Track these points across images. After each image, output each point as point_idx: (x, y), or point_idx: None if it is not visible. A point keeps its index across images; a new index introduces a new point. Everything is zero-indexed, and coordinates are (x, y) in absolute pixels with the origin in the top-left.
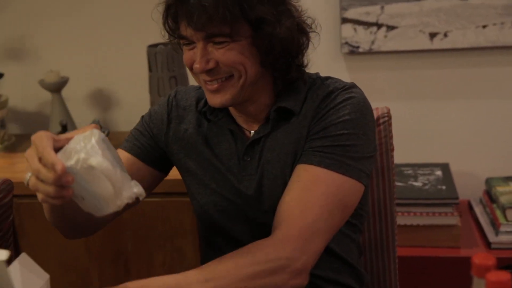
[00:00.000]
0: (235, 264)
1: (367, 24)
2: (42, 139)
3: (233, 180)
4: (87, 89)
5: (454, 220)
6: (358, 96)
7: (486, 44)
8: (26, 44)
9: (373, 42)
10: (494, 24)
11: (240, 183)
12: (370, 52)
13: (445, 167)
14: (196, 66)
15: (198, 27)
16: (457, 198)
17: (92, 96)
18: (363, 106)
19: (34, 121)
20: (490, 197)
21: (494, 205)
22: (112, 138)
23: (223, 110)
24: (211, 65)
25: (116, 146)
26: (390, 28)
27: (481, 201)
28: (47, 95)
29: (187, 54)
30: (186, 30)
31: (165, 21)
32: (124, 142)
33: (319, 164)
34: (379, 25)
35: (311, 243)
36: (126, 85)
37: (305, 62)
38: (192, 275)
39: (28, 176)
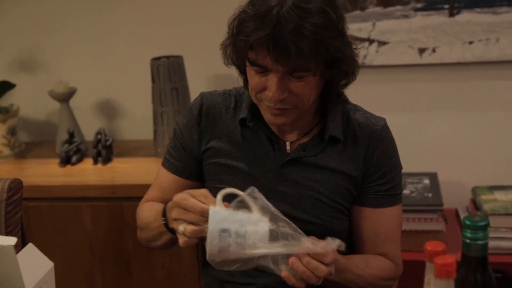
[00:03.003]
0: (377, 273)
1: (360, 40)
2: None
3: (268, 183)
4: (94, 99)
5: (439, 226)
6: (391, 135)
7: (472, 59)
8: (37, 56)
9: (365, 57)
10: (480, 41)
11: (276, 186)
12: (362, 66)
13: (433, 176)
14: (270, 94)
15: (285, 64)
16: (441, 205)
17: (98, 106)
18: (395, 144)
19: (43, 129)
20: (475, 205)
21: (479, 213)
22: (116, 146)
23: (261, 118)
24: (285, 95)
25: (120, 153)
26: (381, 43)
27: (467, 209)
28: (55, 105)
29: (257, 79)
30: (264, 59)
31: (235, 43)
32: (164, 160)
33: (389, 205)
34: (370, 41)
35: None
36: (130, 95)
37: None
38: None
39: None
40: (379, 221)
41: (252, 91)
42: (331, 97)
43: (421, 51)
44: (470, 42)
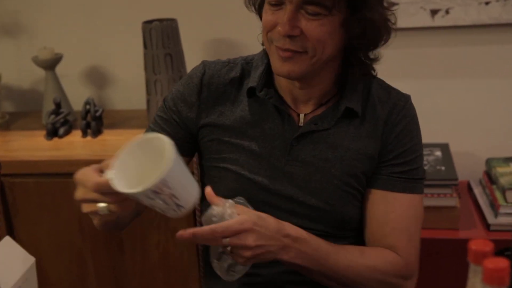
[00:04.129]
0: (373, 265)
1: None
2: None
3: (274, 161)
4: (82, 66)
5: (453, 201)
6: (415, 114)
7: (489, 22)
8: (19, 20)
9: None
10: (497, 1)
11: (283, 166)
12: None
13: (444, 147)
14: (279, 29)
15: None
16: (456, 179)
17: (87, 74)
18: (418, 124)
19: (28, 99)
20: (490, 178)
21: (494, 187)
22: (106, 116)
23: (272, 87)
24: (295, 32)
25: (111, 125)
26: (391, 4)
27: (480, 182)
28: (41, 72)
29: (270, 15)
30: None
31: None
32: (148, 130)
33: (404, 190)
34: None
35: (418, 261)
36: (120, 62)
37: (377, 57)
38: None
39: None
40: (390, 206)
41: (264, 30)
42: (352, 61)
43: (434, 12)
44: (487, 3)
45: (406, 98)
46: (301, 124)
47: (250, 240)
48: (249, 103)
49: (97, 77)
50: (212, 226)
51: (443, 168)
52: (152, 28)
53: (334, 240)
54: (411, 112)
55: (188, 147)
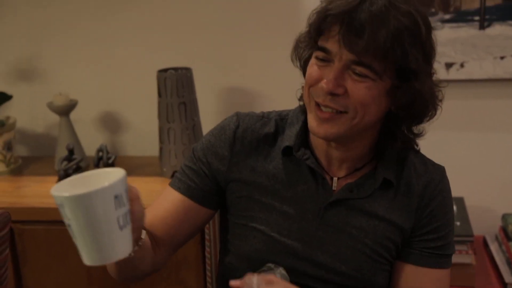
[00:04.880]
0: None
1: None
2: None
3: (306, 225)
4: (96, 113)
5: (468, 258)
6: (449, 187)
7: (504, 76)
8: (35, 66)
9: None
10: None
11: (315, 231)
12: None
13: (459, 202)
14: (324, 85)
15: (353, 48)
16: (472, 235)
17: (101, 120)
18: (452, 198)
19: (42, 144)
20: (506, 234)
21: (511, 243)
22: (119, 162)
23: (308, 148)
24: (339, 90)
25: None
26: (439, 81)
27: (496, 238)
28: (55, 118)
29: (315, 70)
30: (330, 43)
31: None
32: (175, 180)
33: (435, 266)
34: None
35: None
36: (135, 109)
37: (421, 132)
38: None
39: None
40: (419, 282)
41: (306, 84)
42: (396, 133)
43: (448, 66)
44: (502, 57)
45: (442, 172)
46: (334, 188)
47: None
48: (283, 161)
49: (111, 123)
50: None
51: (458, 223)
52: (167, 77)
53: None
54: (447, 186)
55: (215, 200)
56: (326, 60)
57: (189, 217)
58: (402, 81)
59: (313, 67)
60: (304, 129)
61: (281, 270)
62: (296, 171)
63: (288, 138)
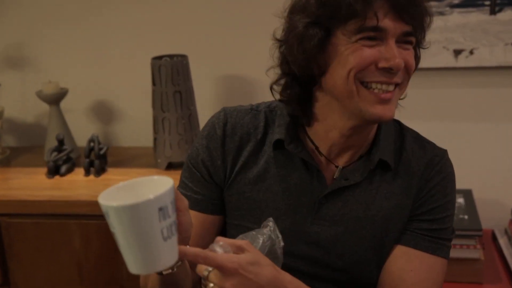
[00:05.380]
0: None
1: None
2: None
3: (299, 221)
4: (87, 102)
5: (476, 253)
6: (452, 170)
7: None
8: (24, 53)
9: None
10: None
11: (310, 226)
12: None
13: (468, 194)
14: (394, 62)
15: (410, 19)
16: (480, 229)
17: (92, 109)
18: (454, 182)
19: (31, 133)
20: None
21: None
22: (112, 153)
23: (299, 140)
24: (403, 65)
25: (116, 162)
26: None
27: (506, 232)
28: (45, 107)
29: (368, 51)
30: (383, 21)
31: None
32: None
33: (427, 250)
34: None
35: None
36: (128, 98)
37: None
38: None
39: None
40: (409, 264)
41: (354, 69)
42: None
43: (457, 52)
44: None
45: (443, 153)
46: (335, 177)
47: (228, 283)
48: (275, 155)
49: (103, 113)
50: (197, 250)
51: (466, 217)
52: (161, 65)
53: None
54: (447, 168)
55: (221, 205)
56: (375, 38)
57: (207, 228)
58: (416, 49)
59: (362, 49)
60: (294, 120)
61: (277, 233)
62: (288, 165)
63: (279, 130)
